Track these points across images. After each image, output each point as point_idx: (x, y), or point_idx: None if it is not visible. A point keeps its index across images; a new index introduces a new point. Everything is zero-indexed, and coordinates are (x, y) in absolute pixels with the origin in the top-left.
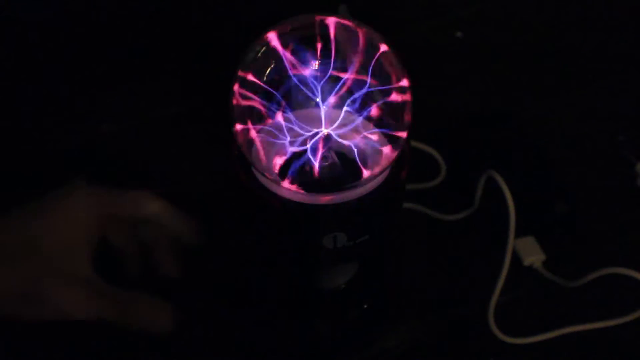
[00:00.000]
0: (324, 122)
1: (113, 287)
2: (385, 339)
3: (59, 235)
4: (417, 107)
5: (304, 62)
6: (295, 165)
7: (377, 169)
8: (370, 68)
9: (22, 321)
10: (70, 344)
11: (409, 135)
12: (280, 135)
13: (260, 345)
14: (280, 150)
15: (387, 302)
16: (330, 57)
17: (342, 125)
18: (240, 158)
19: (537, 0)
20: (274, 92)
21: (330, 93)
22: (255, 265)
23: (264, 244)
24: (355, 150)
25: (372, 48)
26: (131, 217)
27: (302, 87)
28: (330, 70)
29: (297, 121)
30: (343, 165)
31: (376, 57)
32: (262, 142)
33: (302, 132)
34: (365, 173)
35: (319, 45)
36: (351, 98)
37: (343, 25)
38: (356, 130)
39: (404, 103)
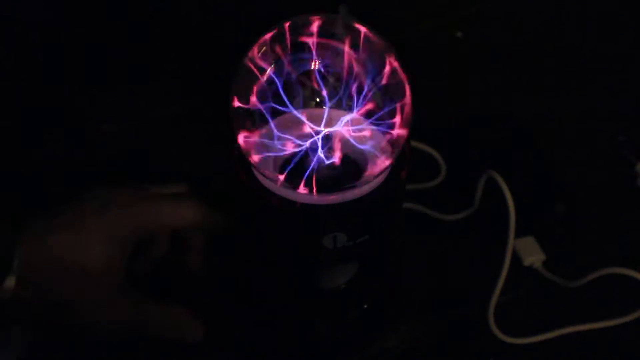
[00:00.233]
0: (324, 122)
1: (145, 300)
2: (385, 339)
3: (91, 252)
4: (417, 107)
5: (304, 62)
6: (296, 165)
7: (377, 169)
8: (370, 68)
9: (55, 328)
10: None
11: (409, 135)
12: (280, 136)
13: (260, 345)
14: (281, 150)
15: (387, 302)
16: (330, 57)
17: (342, 125)
18: (240, 158)
19: (537, 0)
20: (274, 92)
21: (329, 93)
22: (256, 265)
23: (264, 244)
24: (356, 150)
25: (372, 48)
26: (172, 229)
27: (301, 87)
28: (330, 71)
29: (297, 121)
30: (343, 166)
31: (376, 57)
32: (262, 142)
33: (302, 132)
34: (365, 173)
35: (319, 46)
36: (351, 98)
37: (343, 25)
38: (356, 130)
39: (404, 103)
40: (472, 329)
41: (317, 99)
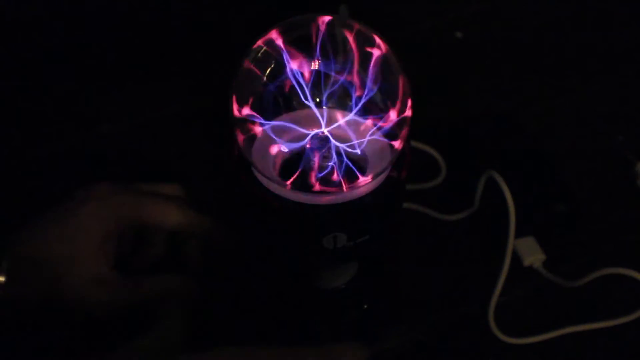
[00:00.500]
0: (324, 123)
1: (132, 277)
2: (385, 339)
3: (75, 242)
4: (417, 107)
5: (304, 63)
6: (296, 165)
7: (377, 169)
8: (370, 68)
9: (45, 325)
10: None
11: (409, 135)
12: (281, 136)
13: (260, 345)
14: (281, 151)
15: (387, 302)
16: (330, 57)
17: (342, 125)
18: (240, 158)
19: (537, 0)
20: (274, 92)
21: (330, 93)
22: (256, 265)
23: (264, 244)
24: (355, 150)
25: (371, 48)
26: (156, 227)
27: (302, 87)
28: (330, 71)
29: (297, 121)
30: (343, 166)
31: (376, 57)
32: (262, 142)
33: (302, 132)
34: (365, 173)
35: (319, 46)
36: (350, 98)
37: (343, 25)
38: (356, 131)
39: (403, 103)
40: (472, 329)
41: (317, 100)
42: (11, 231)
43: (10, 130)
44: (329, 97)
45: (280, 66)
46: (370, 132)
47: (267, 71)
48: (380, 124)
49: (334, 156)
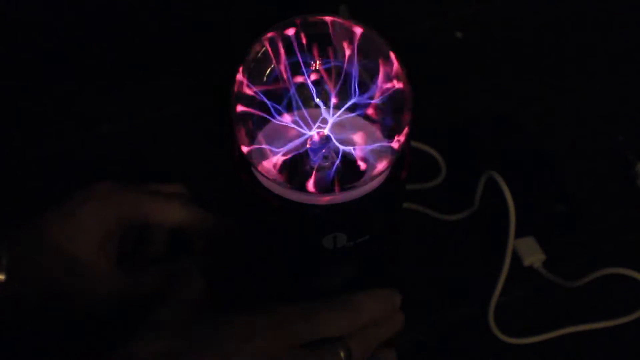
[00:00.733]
0: (324, 123)
1: (132, 274)
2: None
3: (75, 242)
4: (417, 107)
5: (304, 63)
6: (296, 165)
7: (377, 169)
8: (370, 68)
9: (45, 324)
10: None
11: (409, 135)
12: (281, 136)
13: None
14: (281, 150)
15: None
16: (330, 57)
17: (342, 125)
18: (241, 158)
19: (537, 0)
20: (274, 92)
21: (330, 93)
22: (255, 265)
23: (264, 244)
24: (356, 150)
25: (372, 48)
26: (158, 225)
27: (302, 87)
28: (331, 71)
29: (297, 121)
30: (343, 166)
31: (376, 57)
32: (262, 142)
33: (302, 132)
34: (365, 173)
35: (319, 46)
36: (351, 98)
37: (343, 25)
38: (356, 131)
39: (404, 103)
40: (472, 329)
41: (317, 100)
42: (11, 230)
43: (10, 130)
44: (329, 97)
45: (280, 66)
46: (370, 133)
47: (268, 71)
48: (380, 123)
49: (334, 156)
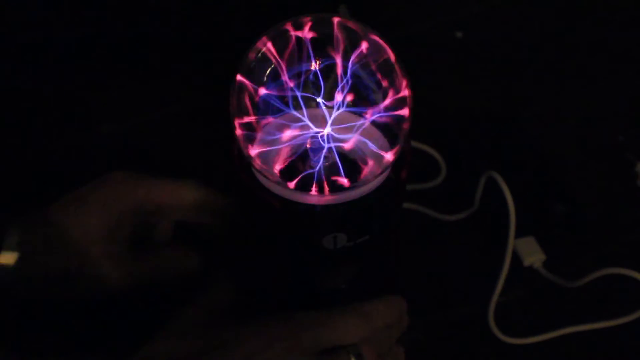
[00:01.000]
0: (324, 122)
1: (145, 255)
2: None
3: (90, 224)
4: (417, 107)
5: (304, 63)
6: (296, 165)
7: (377, 169)
8: (370, 68)
9: (63, 300)
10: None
11: (409, 135)
12: (281, 135)
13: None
14: (281, 150)
15: None
16: (330, 57)
17: (343, 125)
18: (240, 158)
19: (537, 1)
20: (274, 92)
21: (330, 93)
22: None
23: (264, 244)
24: (356, 150)
25: (371, 48)
26: (173, 207)
27: (302, 87)
28: (331, 71)
29: (297, 121)
30: (343, 166)
31: (376, 57)
32: (262, 142)
33: (302, 132)
34: (365, 173)
35: (320, 45)
36: (351, 98)
37: (343, 25)
38: (356, 131)
39: (404, 103)
40: (472, 329)
41: (317, 99)
42: (23, 216)
43: (10, 130)
44: (330, 97)
45: (280, 66)
46: (370, 132)
47: (268, 71)
48: (380, 123)
49: (334, 156)
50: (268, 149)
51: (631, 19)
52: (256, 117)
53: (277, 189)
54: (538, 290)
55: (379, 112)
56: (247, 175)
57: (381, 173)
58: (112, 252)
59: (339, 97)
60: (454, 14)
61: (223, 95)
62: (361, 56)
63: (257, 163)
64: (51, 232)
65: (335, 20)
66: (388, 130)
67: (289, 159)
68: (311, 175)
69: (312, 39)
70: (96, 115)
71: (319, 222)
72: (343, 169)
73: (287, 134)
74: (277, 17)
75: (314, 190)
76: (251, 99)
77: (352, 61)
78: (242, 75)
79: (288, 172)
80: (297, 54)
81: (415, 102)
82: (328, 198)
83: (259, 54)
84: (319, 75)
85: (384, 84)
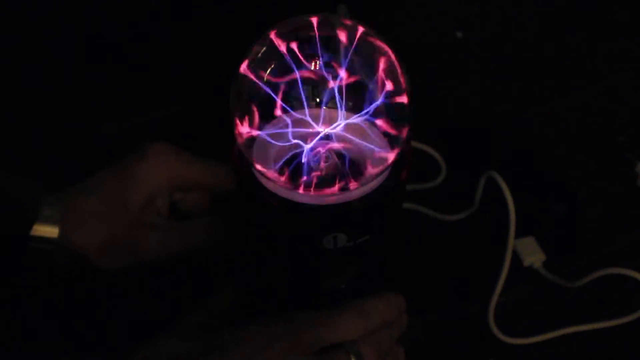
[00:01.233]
0: (324, 123)
1: (182, 224)
2: None
3: (129, 194)
4: (417, 107)
5: (305, 63)
6: (296, 165)
7: (377, 169)
8: (370, 68)
9: (103, 270)
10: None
11: (409, 135)
12: (281, 135)
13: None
14: (281, 150)
15: None
16: (330, 57)
17: (342, 125)
18: (240, 158)
19: (537, 1)
20: (275, 92)
21: (330, 93)
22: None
23: (264, 244)
24: (356, 150)
25: (371, 48)
26: (208, 187)
27: (302, 87)
28: (331, 71)
29: (297, 121)
30: (343, 166)
31: (376, 57)
32: (262, 142)
33: (302, 132)
34: (365, 173)
35: (319, 46)
36: (350, 98)
37: (343, 25)
38: (356, 131)
39: (404, 103)
40: (472, 329)
41: (317, 99)
42: (66, 186)
43: (10, 130)
44: (330, 98)
45: (280, 66)
46: (370, 132)
47: (267, 71)
48: (380, 123)
49: (334, 156)
50: (268, 149)
51: (631, 19)
52: (256, 117)
53: (277, 189)
54: (538, 290)
55: (379, 112)
56: (247, 175)
57: (381, 173)
58: (152, 220)
59: (339, 97)
60: (454, 14)
61: (223, 95)
62: (361, 56)
63: (257, 163)
64: (92, 204)
65: (335, 20)
66: (388, 130)
67: (289, 159)
68: (311, 176)
69: (311, 39)
70: (96, 115)
71: (319, 222)
72: (343, 169)
73: (287, 134)
74: (277, 17)
75: (313, 190)
76: (251, 98)
77: (352, 61)
78: (243, 75)
79: (288, 173)
80: (298, 54)
81: (415, 102)
82: (328, 198)
83: (260, 54)
84: (319, 75)
85: (384, 84)
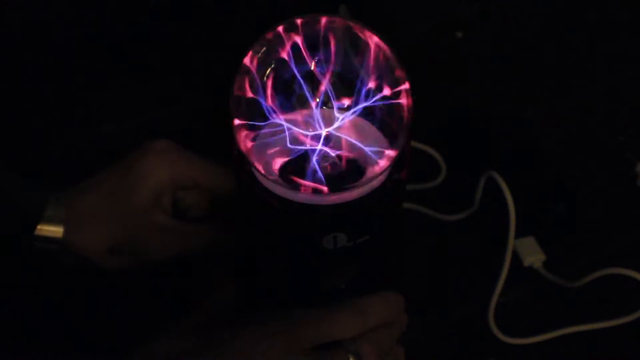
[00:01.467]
0: (324, 123)
1: (186, 224)
2: None
3: (133, 193)
4: (417, 107)
5: (305, 63)
6: (296, 165)
7: (377, 169)
8: (371, 68)
9: (105, 270)
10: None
11: (409, 135)
12: (281, 136)
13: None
14: (281, 151)
15: None
16: (330, 57)
17: (342, 125)
18: (240, 158)
19: (537, 1)
20: (275, 92)
21: (330, 93)
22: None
23: (264, 244)
24: (355, 150)
25: (371, 48)
26: (207, 187)
27: (302, 87)
28: (331, 71)
29: (297, 121)
30: (343, 166)
31: (376, 57)
32: (262, 142)
33: (302, 132)
34: (366, 173)
35: (319, 46)
36: (350, 98)
37: (343, 25)
38: (356, 131)
39: (404, 103)
40: (472, 329)
41: (317, 100)
42: (71, 185)
43: (10, 130)
44: (329, 98)
45: (280, 66)
46: (370, 133)
47: (267, 71)
48: (380, 124)
49: (334, 156)
50: (268, 149)
51: (631, 19)
52: (256, 117)
53: (276, 189)
54: (538, 290)
55: (379, 112)
56: (247, 175)
57: (381, 173)
58: (156, 219)
59: (339, 97)
60: (454, 14)
61: (223, 95)
62: (361, 56)
63: (257, 163)
64: (95, 203)
65: (335, 20)
66: (388, 130)
67: (289, 159)
68: (311, 176)
69: (313, 40)
70: (96, 115)
71: (319, 222)
72: (343, 169)
73: (288, 134)
74: (277, 17)
75: (313, 190)
76: (251, 99)
77: (352, 61)
78: (242, 75)
79: (288, 173)
80: (297, 54)
81: (415, 103)
82: (328, 198)
83: (259, 54)
84: (319, 76)
85: (384, 84)
